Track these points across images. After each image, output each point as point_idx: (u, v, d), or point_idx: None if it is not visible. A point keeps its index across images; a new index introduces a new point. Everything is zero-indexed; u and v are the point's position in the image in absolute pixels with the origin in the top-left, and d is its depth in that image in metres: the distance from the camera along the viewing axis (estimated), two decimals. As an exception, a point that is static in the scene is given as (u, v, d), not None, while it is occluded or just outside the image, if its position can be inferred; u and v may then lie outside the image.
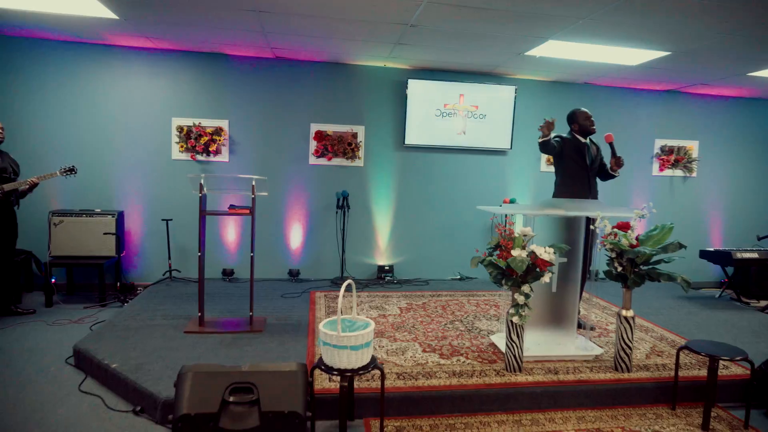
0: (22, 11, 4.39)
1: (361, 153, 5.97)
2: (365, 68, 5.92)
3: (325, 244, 6.01)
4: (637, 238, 3.39)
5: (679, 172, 6.65)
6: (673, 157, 6.57)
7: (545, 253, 3.23)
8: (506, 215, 5.76)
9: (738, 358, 3.00)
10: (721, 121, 6.69)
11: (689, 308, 5.25)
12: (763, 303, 5.86)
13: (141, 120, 5.59)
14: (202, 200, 4.09)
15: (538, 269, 3.26)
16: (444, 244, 6.23)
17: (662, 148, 6.58)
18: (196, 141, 5.66)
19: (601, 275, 3.65)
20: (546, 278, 3.26)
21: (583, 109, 4.28)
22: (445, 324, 4.43)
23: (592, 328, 4.38)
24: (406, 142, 5.96)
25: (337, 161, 5.95)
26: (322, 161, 5.92)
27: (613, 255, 3.39)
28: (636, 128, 6.51)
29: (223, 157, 5.78)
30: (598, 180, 4.46)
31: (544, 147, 4.00)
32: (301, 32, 4.70)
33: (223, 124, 5.73)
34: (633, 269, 3.35)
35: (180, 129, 5.65)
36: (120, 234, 5.37)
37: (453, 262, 6.21)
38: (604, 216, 3.46)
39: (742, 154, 6.80)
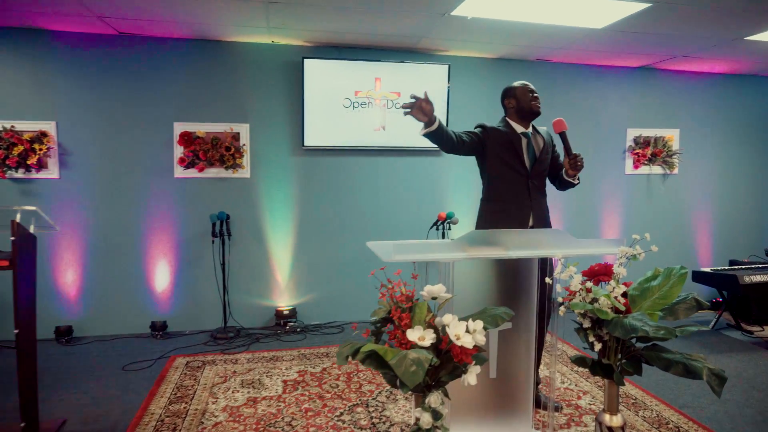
0: None
1: (245, 160, 4.45)
2: (246, 46, 4.40)
3: (203, 285, 4.46)
4: (625, 294, 1.98)
5: (657, 169, 5.35)
6: (650, 151, 5.27)
7: (466, 336, 1.78)
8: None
9: None
10: (706, 104, 5.42)
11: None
12: (769, 331, 4.60)
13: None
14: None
15: (455, 361, 1.81)
16: (364, 276, 4.74)
17: (636, 140, 5.27)
18: (8, 152, 4.04)
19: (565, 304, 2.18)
20: (470, 377, 1.81)
21: (521, 81, 2.91)
22: (342, 413, 2.95)
23: (557, 408, 2.98)
24: (305, 144, 4.47)
25: (213, 172, 4.41)
26: (192, 173, 4.38)
27: (586, 324, 1.98)
28: (604, 116, 5.19)
29: (51, 172, 4.17)
30: (552, 189, 3.08)
31: (437, 140, 2.64)
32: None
33: (49, 127, 4.12)
34: (621, 348, 1.94)
35: (-18, 135, 4.03)
36: None
37: (376, 298, 4.73)
38: (569, 256, 2.05)
39: (733, 145, 5.53)
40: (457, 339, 1.79)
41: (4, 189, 4.10)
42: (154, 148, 4.31)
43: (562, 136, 2.82)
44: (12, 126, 4.06)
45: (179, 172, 4.35)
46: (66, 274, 4.26)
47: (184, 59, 4.30)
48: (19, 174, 4.11)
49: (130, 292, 4.36)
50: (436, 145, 2.70)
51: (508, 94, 2.93)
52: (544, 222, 2.94)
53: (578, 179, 2.96)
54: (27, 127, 4.09)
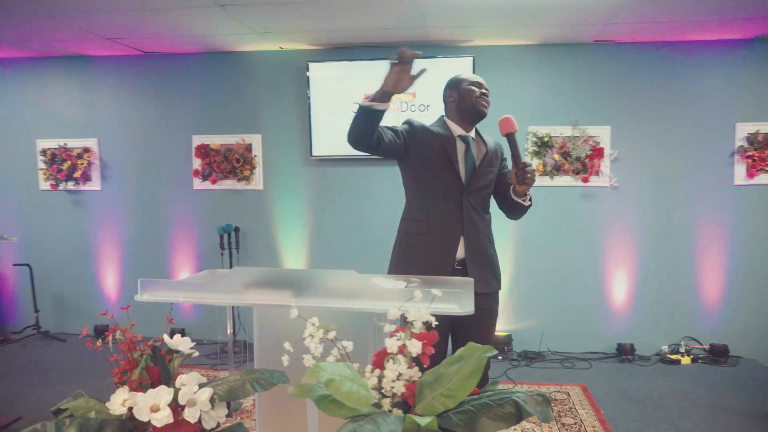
0: None
1: (257, 172, 4.35)
2: (255, 55, 4.30)
3: (219, 296, 4.47)
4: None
5: (787, 178, 3.89)
6: (774, 153, 3.85)
7: (164, 410, 1.34)
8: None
9: None
10: None
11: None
12: None
13: None
14: None
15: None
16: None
17: (750, 139, 3.89)
18: (60, 166, 4.53)
19: None
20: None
21: (473, 75, 2.32)
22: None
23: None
24: (313, 153, 4.20)
25: (228, 184, 4.39)
26: (207, 185, 4.41)
27: (359, 417, 1.36)
28: (699, 108, 3.93)
29: (94, 184, 4.57)
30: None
31: (367, 124, 1.97)
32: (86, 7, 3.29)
33: (91, 143, 4.52)
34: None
35: (43, 152, 4.57)
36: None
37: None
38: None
39: None
40: (154, 412, 1.37)
41: (61, 200, 4.60)
42: (177, 160, 4.45)
43: (510, 138, 2.11)
44: (65, 144, 4.54)
45: (197, 184, 4.43)
46: (107, 275, 4.62)
47: (201, 72, 4.36)
48: (70, 186, 4.57)
49: (158, 298, 4.56)
50: (352, 133, 2.00)
51: (451, 85, 2.34)
52: (481, 254, 2.23)
53: (530, 200, 2.21)
54: (75, 143, 4.53)
